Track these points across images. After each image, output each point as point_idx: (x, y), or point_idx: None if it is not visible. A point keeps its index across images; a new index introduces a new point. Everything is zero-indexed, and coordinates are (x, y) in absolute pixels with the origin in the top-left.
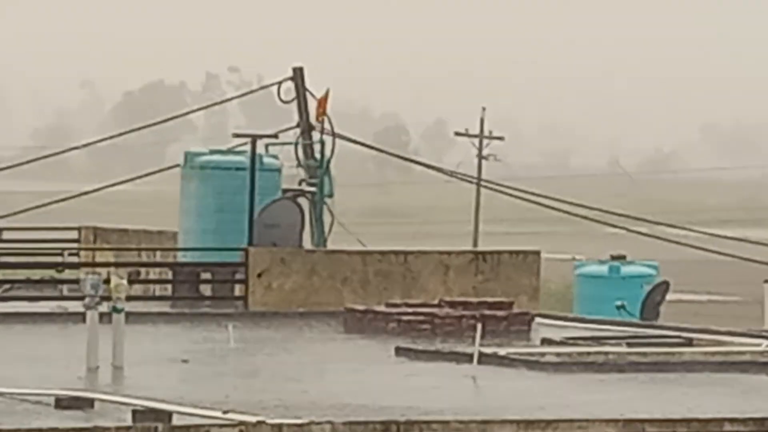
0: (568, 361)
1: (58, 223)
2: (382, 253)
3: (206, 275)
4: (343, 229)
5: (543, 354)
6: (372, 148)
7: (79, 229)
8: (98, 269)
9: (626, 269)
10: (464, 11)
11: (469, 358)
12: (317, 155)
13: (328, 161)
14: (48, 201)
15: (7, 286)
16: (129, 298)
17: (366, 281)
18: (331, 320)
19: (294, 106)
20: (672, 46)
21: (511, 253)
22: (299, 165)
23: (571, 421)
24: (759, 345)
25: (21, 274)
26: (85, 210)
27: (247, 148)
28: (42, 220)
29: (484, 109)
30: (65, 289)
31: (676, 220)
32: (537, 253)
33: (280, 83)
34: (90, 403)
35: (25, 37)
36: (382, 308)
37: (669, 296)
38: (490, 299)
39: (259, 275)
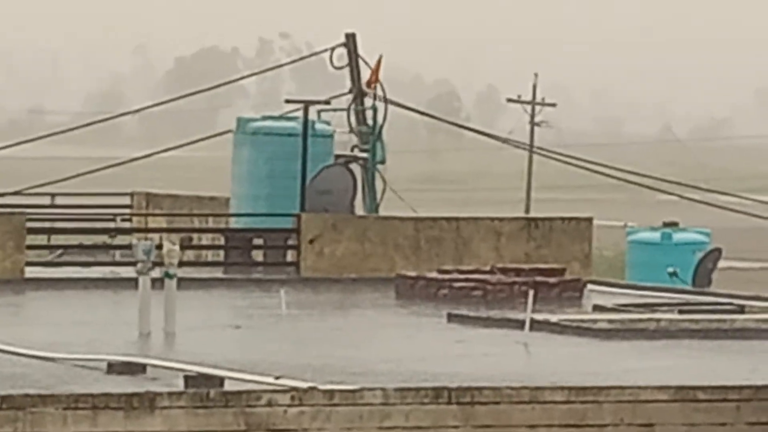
0: (620, 328)
1: (109, 189)
2: (434, 219)
3: (258, 241)
4: (394, 196)
5: (595, 321)
6: (424, 114)
7: (131, 194)
8: (150, 235)
9: (678, 236)
10: None
11: (520, 324)
12: (369, 121)
13: (381, 127)
14: (100, 167)
15: (59, 251)
16: (181, 264)
17: (418, 247)
18: (382, 286)
19: (346, 72)
20: (725, 6)
21: (563, 219)
22: (351, 131)
23: (623, 387)
24: None
25: (73, 239)
26: (136, 176)
27: (300, 114)
28: (93, 186)
29: (536, 75)
30: (117, 255)
31: (729, 187)
32: (589, 219)
33: (332, 49)
34: (142, 368)
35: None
36: (433, 274)
37: (721, 263)
38: (542, 266)
39: (311, 241)
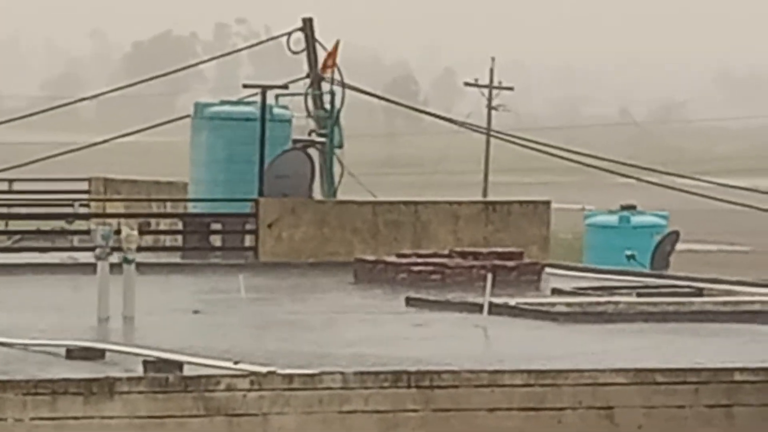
0: (579, 311)
1: (68, 174)
2: (392, 203)
3: (216, 226)
4: (353, 180)
5: (553, 304)
6: (381, 98)
7: (89, 180)
8: (109, 220)
9: (636, 219)
10: None
11: (479, 308)
12: (327, 106)
13: (338, 112)
14: (58, 152)
15: (17, 236)
16: (139, 249)
17: (376, 231)
18: (341, 271)
19: (303, 56)
20: None
21: (521, 203)
22: (309, 115)
23: (582, 371)
24: None
25: (32, 224)
26: (94, 161)
27: (257, 98)
28: (52, 171)
29: (493, 59)
30: (76, 240)
31: (687, 169)
32: (547, 203)
33: (289, 34)
34: (101, 353)
35: None
36: (392, 258)
37: (679, 246)
38: (500, 249)
39: (270, 226)
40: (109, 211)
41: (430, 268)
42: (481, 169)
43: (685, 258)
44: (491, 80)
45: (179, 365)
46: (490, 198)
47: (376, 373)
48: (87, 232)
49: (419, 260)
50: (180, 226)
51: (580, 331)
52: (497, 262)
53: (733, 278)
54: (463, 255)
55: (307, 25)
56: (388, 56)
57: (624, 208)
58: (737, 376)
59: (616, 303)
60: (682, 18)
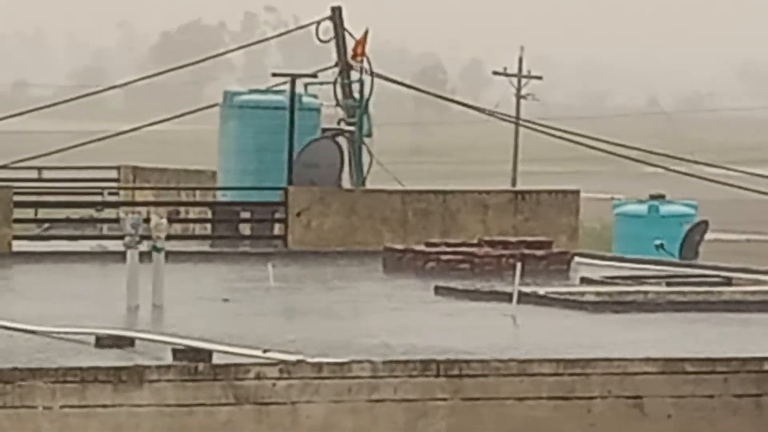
0: (608, 301)
1: (96, 163)
2: (421, 192)
3: (246, 214)
4: (381, 169)
5: (582, 293)
6: (410, 87)
7: (118, 168)
8: (138, 208)
9: (665, 208)
10: None
11: (508, 297)
12: (356, 95)
13: (367, 101)
14: (86, 140)
15: (47, 225)
16: (169, 237)
17: (405, 220)
18: (370, 259)
19: (332, 45)
20: None
21: (550, 192)
22: (338, 104)
23: (611, 360)
24: None
25: (61, 213)
26: (122, 150)
27: (287, 87)
28: (80, 160)
29: (522, 48)
30: (105, 228)
31: (715, 159)
32: (576, 192)
33: (318, 23)
34: (130, 341)
35: None
36: (421, 247)
37: (708, 235)
38: (529, 238)
39: (299, 214)
40: (138, 199)
41: (459, 257)
42: (510, 159)
43: (713, 247)
44: (520, 69)
45: (208, 354)
46: (519, 187)
47: (405, 362)
48: (116, 220)
49: (448, 249)
50: (209, 215)
51: (609, 320)
52: (526, 251)
53: (761, 267)
54: (492, 244)
55: (336, 14)
56: (416, 46)
57: (653, 197)
58: (766, 366)
59: (645, 292)
60: (706, 9)
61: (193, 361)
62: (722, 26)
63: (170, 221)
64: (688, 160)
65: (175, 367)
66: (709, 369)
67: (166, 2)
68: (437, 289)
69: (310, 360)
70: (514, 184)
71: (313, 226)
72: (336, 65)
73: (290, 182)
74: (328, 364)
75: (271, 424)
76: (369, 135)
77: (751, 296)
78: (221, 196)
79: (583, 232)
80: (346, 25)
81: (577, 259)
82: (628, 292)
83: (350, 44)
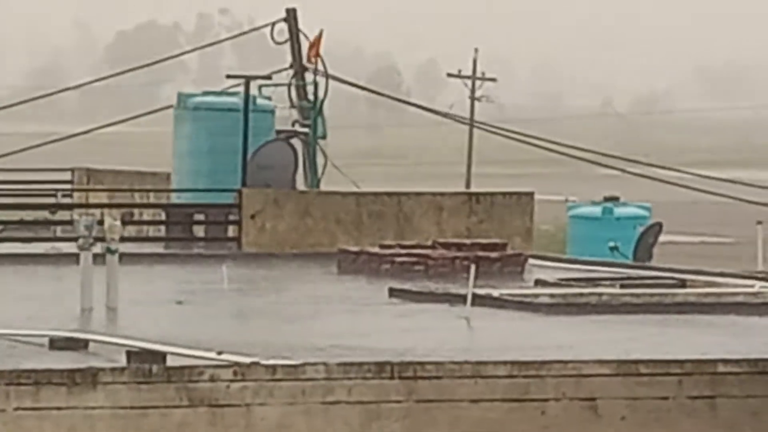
0: (562, 303)
1: (50, 165)
2: (376, 194)
3: (199, 216)
4: (336, 171)
5: (537, 295)
6: (365, 89)
7: (72, 170)
8: (92, 210)
9: (619, 210)
10: None
11: (462, 299)
12: (310, 96)
13: (322, 102)
14: (40, 142)
15: (0, 227)
16: (122, 239)
17: (359, 222)
18: (324, 261)
19: (287, 47)
20: None
21: (504, 194)
22: (292, 106)
23: (565, 362)
24: (752, 286)
25: (14, 215)
26: (77, 151)
27: (241, 89)
28: (34, 162)
29: (476, 50)
30: (59, 231)
31: (669, 161)
32: (530, 194)
33: (273, 24)
34: (84, 344)
35: None
36: (375, 249)
37: (662, 238)
38: (483, 240)
39: (253, 216)
40: (92, 201)
41: (414, 259)
42: (465, 161)
43: (668, 249)
44: (474, 71)
45: (162, 356)
46: (474, 189)
47: (360, 364)
48: (70, 222)
49: (402, 251)
50: (163, 217)
51: (563, 322)
52: (481, 253)
53: (716, 269)
54: (447, 246)
55: (291, 16)
56: (370, 46)
57: (607, 199)
58: (720, 368)
59: (600, 294)
60: (662, 11)
61: (147, 363)
62: (678, 27)
63: (124, 223)
64: (643, 163)
65: (129, 369)
66: (664, 371)
67: (122, 2)
68: (392, 291)
69: (264, 362)
70: (468, 186)
71: (267, 228)
72: (290, 67)
73: (244, 184)
74: (283, 366)
75: (225, 426)
76: (323, 137)
77: (705, 298)
78: (175, 198)
79: (537, 234)
80: (301, 26)
81: (531, 261)
82: (582, 294)
83: (305, 46)
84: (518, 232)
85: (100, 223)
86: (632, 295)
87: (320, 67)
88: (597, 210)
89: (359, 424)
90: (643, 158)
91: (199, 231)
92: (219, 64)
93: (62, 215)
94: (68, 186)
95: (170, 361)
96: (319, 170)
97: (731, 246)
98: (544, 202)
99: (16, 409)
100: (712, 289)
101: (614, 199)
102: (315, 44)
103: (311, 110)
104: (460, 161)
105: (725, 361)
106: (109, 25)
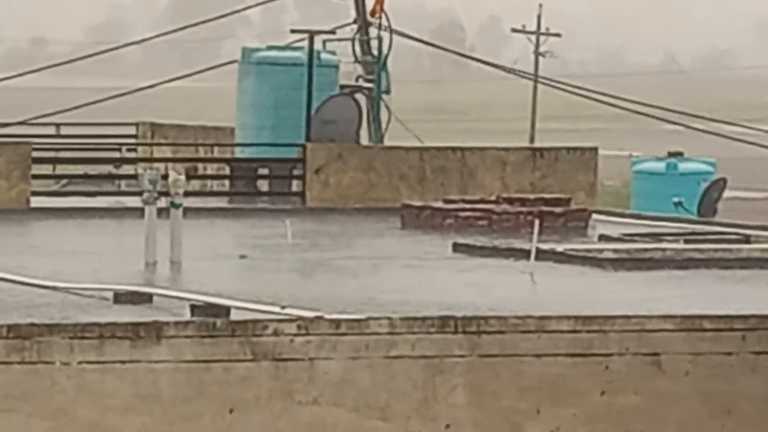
0: (626, 258)
1: (114, 120)
2: (439, 149)
3: (264, 171)
4: (399, 126)
5: (600, 250)
6: (429, 44)
7: (136, 124)
8: (156, 165)
9: (684, 166)
10: None
11: (526, 254)
12: (374, 52)
13: (386, 57)
14: (104, 97)
15: (65, 181)
16: (186, 194)
17: (423, 177)
18: (388, 216)
19: (350, 2)
20: None
21: (568, 149)
22: (356, 61)
23: (628, 317)
24: None
25: (79, 169)
26: (140, 106)
27: (305, 44)
28: (98, 117)
29: (540, 5)
30: (123, 185)
31: (733, 117)
32: (594, 149)
33: None
34: (148, 297)
35: None
36: (439, 204)
37: (726, 193)
38: (547, 195)
39: (317, 171)
40: (156, 155)
41: (477, 214)
42: (528, 116)
43: (732, 205)
44: (539, 26)
45: (226, 310)
46: (537, 144)
47: (423, 319)
48: (134, 176)
49: (466, 206)
50: (227, 171)
51: (627, 277)
52: (544, 208)
53: None
54: (510, 201)
55: None
56: (433, 3)
57: (671, 155)
58: None
59: (663, 249)
60: None
61: (210, 317)
62: None
63: (188, 177)
64: (707, 118)
65: (192, 323)
66: (727, 326)
67: None
68: (455, 246)
69: (327, 316)
70: (532, 141)
71: (331, 183)
72: (354, 22)
73: (308, 139)
74: (346, 320)
75: (288, 380)
76: (387, 92)
77: None
78: (239, 153)
79: (601, 189)
80: None
81: (595, 216)
82: (646, 250)
83: (369, 1)
84: (582, 187)
85: (164, 177)
86: (696, 250)
87: (384, 22)
88: (661, 165)
89: (422, 379)
90: (707, 114)
91: (263, 185)
92: (282, 18)
93: (126, 169)
94: (132, 140)
95: (234, 315)
96: (383, 125)
97: None
98: (608, 157)
99: (80, 362)
100: None
101: (678, 155)
102: None
103: (375, 65)
104: (524, 117)
105: None
106: None
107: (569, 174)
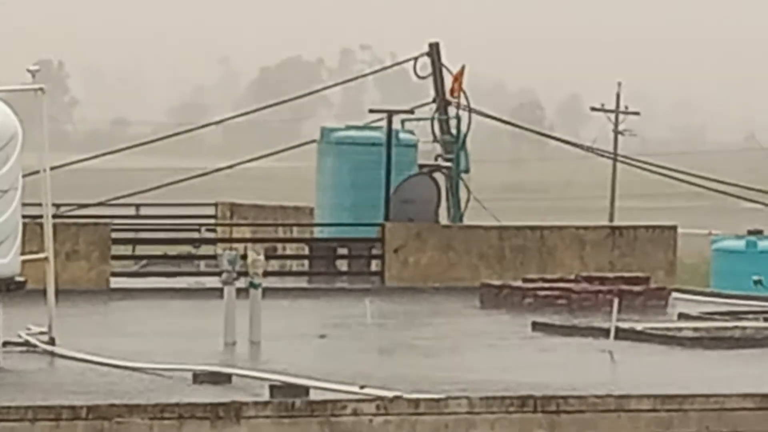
0: (705, 336)
1: (193, 200)
2: (518, 228)
3: (343, 251)
4: (478, 205)
5: (680, 329)
6: (508, 123)
7: (215, 204)
8: (235, 245)
9: (763, 244)
10: None
11: (605, 333)
12: (453, 130)
13: (465, 136)
14: (183, 177)
15: (144, 261)
16: (266, 274)
17: (502, 256)
18: (467, 295)
19: (429, 81)
20: None
21: (647, 227)
22: (435, 140)
23: (708, 396)
24: None
25: (158, 249)
26: (220, 186)
27: (383, 123)
28: (177, 197)
29: (620, 84)
30: (202, 265)
31: None
32: (673, 227)
33: (416, 59)
34: (227, 378)
35: (164, 14)
36: (518, 283)
37: None
38: (626, 274)
39: (396, 250)
40: (235, 235)
41: (556, 292)
42: (607, 195)
43: None
44: (617, 105)
45: (305, 390)
46: (617, 223)
47: (502, 398)
48: (213, 257)
49: (545, 285)
50: (306, 251)
51: (706, 356)
52: (624, 286)
53: None
54: (590, 280)
55: (434, 50)
56: (513, 81)
57: (751, 233)
58: None
59: (743, 328)
60: None
61: (290, 397)
62: None
63: (267, 258)
64: None
65: (272, 403)
66: None
67: (266, 39)
68: (535, 325)
69: (407, 396)
70: (611, 219)
71: (410, 262)
72: (433, 101)
73: (387, 218)
74: (425, 400)
75: None
76: (466, 171)
77: None
78: (318, 233)
79: (681, 267)
80: (444, 60)
81: (674, 294)
82: (726, 328)
83: (448, 80)
84: (661, 265)
85: (244, 257)
86: None
87: (463, 101)
88: (741, 243)
89: None
90: None
91: (343, 265)
92: (362, 98)
93: (206, 249)
94: (212, 220)
95: (313, 395)
96: (462, 204)
97: None
98: (688, 235)
99: None
100: None
101: (758, 233)
102: (458, 78)
103: (454, 144)
104: (603, 195)
105: None
106: (253, 62)
107: (648, 252)
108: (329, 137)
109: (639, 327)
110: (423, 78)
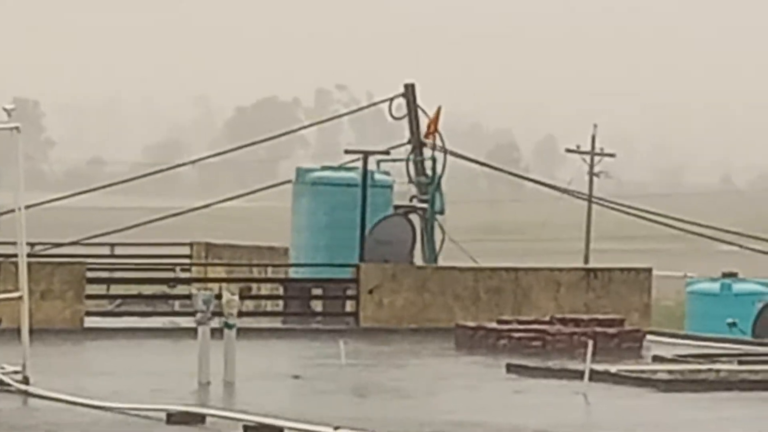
0: (680, 379)
1: (168, 239)
2: (493, 269)
3: (317, 291)
4: (454, 246)
5: (654, 371)
6: (483, 164)
7: (191, 244)
8: (210, 285)
9: (738, 286)
10: (575, 29)
11: (580, 375)
12: (429, 172)
13: (440, 177)
14: (159, 216)
15: (119, 301)
16: (240, 314)
17: (477, 298)
18: (442, 337)
19: (405, 122)
20: None
21: (622, 270)
22: (410, 181)
23: None
24: None
25: (133, 289)
26: (195, 226)
27: (359, 164)
28: (153, 236)
29: (595, 126)
30: (177, 305)
31: None
32: (648, 270)
33: (392, 99)
34: (201, 418)
35: (141, 52)
36: (493, 325)
37: None
38: (601, 316)
39: (371, 291)
40: (210, 275)
41: (531, 334)
42: (583, 236)
43: None
44: (593, 146)
45: (279, 430)
46: (592, 265)
47: None
48: (188, 296)
49: (520, 327)
50: (281, 291)
51: (681, 399)
52: (598, 329)
53: None
54: (564, 322)
55: (409, 91)
56: (489, 122)
57: (726, 275)
58: None
59: (718, 371)
60: None
61: None
62: None
63: (242, 298)
64: (762, 238)
65: None
66: None
67: (242, 78)
68: (509, 367)
69: None
70: (586, 261)
71: (385, 303)
72: (409, 142)
73: (362, 259)
74: None
75: None
76: (442, 212)
77: None
78: (293, 273)
79: (655, 309)
80: (419, 101)
81: (649, 337)
82: (700, 371)
83: (423, 121)
84: (636, 307)
85: (218, 297)
86: (750, 371)
87: (438, 142)
88: (715, 286)
89: None
90: (763, 234)
91: (317, 306)
92: (337, 139)
93: (181, 289)
94: (187, 260)
95: None
96: (437, 245)
97: None
98: (663, 278)
99: None
100: None
101: (733, 275)
102: (433, 120)
103: (429, 185)
104: (579, 237)
105: None
106: (229, 101)
107: (623, 295)
108: (305, 178)
109: (613, 369)
110: (398, 119)
